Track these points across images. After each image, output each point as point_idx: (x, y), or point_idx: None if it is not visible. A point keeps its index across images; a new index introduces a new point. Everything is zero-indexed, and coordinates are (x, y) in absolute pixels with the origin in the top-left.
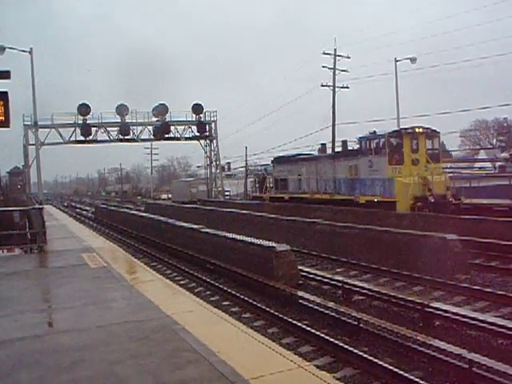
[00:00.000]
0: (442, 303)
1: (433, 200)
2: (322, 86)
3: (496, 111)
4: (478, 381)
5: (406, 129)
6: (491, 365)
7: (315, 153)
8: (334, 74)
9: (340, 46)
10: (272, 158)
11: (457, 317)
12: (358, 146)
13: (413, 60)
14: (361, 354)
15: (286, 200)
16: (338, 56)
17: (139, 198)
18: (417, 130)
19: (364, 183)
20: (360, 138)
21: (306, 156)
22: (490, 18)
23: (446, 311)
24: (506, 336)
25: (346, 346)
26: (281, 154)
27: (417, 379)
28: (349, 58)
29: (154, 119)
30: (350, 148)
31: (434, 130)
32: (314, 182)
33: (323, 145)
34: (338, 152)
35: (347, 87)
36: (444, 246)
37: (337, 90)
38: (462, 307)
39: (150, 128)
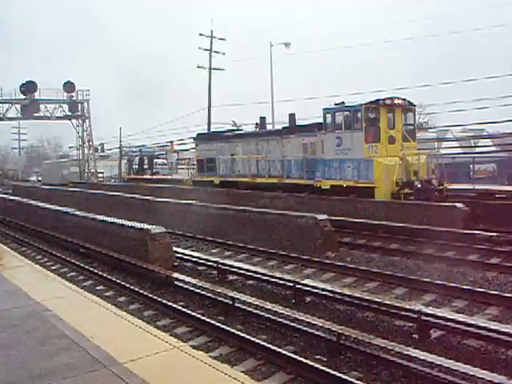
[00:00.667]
0: (312, 280)
1: (420, 186)
2: (198, 67)
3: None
4: (345, 351)
5: (383, 99)
6: (356, 335)
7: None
8: (210, 55)
9: (221, 29)
10: (195, 135)
11: (325, 292)
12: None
13: (287, 45)
14: (236, 332)
15: (217, 184)
16: (215, 38)
17: (6, 180)
18: (395, 101)
19: (329, 165)
20: (325, 109)
21: (241, 133)
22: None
23: (315, 287)
24: (370, 309)
25: (221, 325)
26: (204, 131)
27: (290, 354)
28: (224, 39)
29: (23, 97)
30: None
31: (411, 103)
32: (255, 163)
33: (262, 118)
34: (287, 128)
35: (222, 69)
36: (315, 225)
37: (214, 71)
38: (330, 283)
39: (18, 107)
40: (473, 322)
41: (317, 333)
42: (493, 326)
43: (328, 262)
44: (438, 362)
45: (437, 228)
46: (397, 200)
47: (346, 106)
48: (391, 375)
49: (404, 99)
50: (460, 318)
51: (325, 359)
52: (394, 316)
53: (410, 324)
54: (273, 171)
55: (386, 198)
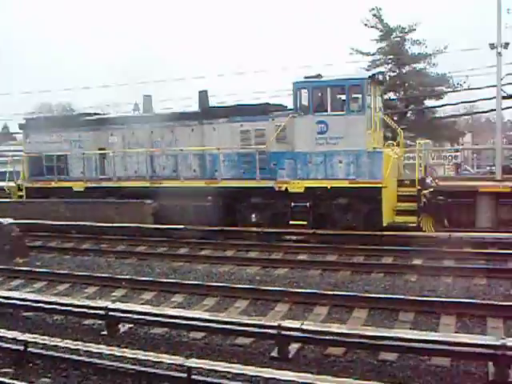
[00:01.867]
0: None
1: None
2: None
3: None
4: (33, 359)
5: (376, 74)
6: (44, 341)
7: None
8: None
9: None
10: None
11: (12, 301)
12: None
13: None
14: None
15: (78, 192)
16: None
17: None
18: (380, 76)
19: (303, 159)
20: (299, 83)
21: (116, 116)
22: None
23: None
24: (58, 312)
25: None
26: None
27: None
28: None
29: None
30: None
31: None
32: (148, 160)
33: (202, 92)
34: (212, 108)
35: None
36: (1, 230)
37: None
38: (19, 291)
39: None
40: (158, 312)
41: (4, 345)
42: (176, 312)
43: (16, 268)
44: (120, 354)
45: (128, 224)
46: None
47: (336, 80)
48: (82, 375)
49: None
50: (145, 309)
51: (13, 371)
52: (82, 316)
53: (100, 321)
54: (185, 170)
55: (393, 202)
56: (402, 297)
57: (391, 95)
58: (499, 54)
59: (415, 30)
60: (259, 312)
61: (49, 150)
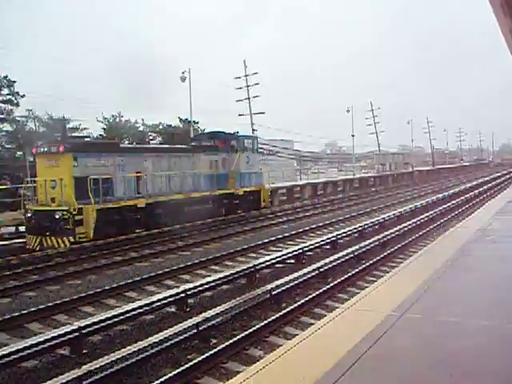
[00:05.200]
0: None
1: None
2: None
3: None
4: None
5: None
6: None
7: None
8: None
9: None
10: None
11: None
12: None
13: None
14: None
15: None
16: None
17: None
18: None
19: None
20: (232, 135)
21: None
22: None
23: None
24: None
25: None
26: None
27: None
28: None
29: None
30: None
31: None
32: (167, 179)
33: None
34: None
35: None
36: None
37: None
38: None
39: None
40: None
41: None
42: None
43: None
44: None
45: None
46: None
47: (248, 136)
48: None
49: None
50: None
51: None
52: None
53: None
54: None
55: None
56: None
57: None
58: None
59: None
60: None
61: (96, 173)
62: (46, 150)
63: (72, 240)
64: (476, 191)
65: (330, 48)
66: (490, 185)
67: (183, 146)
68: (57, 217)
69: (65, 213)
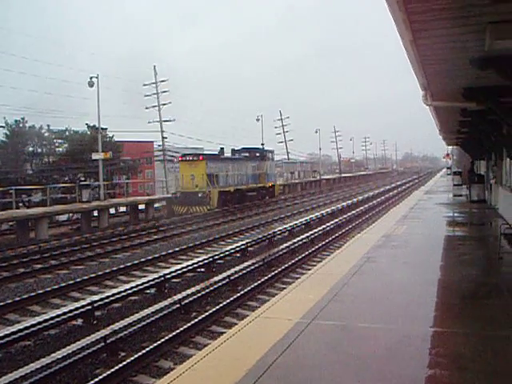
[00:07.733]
0: None
1: None
2: None
3: None
4: None
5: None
6: None
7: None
8: None
9: None
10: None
11: None
12: None
13: None
14: None
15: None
16: None
17: None
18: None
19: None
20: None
21: (229, 157)
22: None
23: None
24: None
25: None
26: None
27: None
28: None
29: None
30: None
31: None
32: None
33: (222, 149)
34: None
35: None
36: None
37: None
38: None
39: None
40: None
41: None
42: None
43: None
44: None
45: None
46: None
47: (255, 148)
48: None
49: None
50: None
51: None
52: None
53: None
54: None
55: None
56: None
57: None
58: None
59: None
60: None
61: (216, 172)
62: (190, 158)
63: (208, 208)
64: (379, 199)
65: (246, 58)
66: (393, 192)
67: (241, 157)
68: (199, 195)
69: (204, 193)
